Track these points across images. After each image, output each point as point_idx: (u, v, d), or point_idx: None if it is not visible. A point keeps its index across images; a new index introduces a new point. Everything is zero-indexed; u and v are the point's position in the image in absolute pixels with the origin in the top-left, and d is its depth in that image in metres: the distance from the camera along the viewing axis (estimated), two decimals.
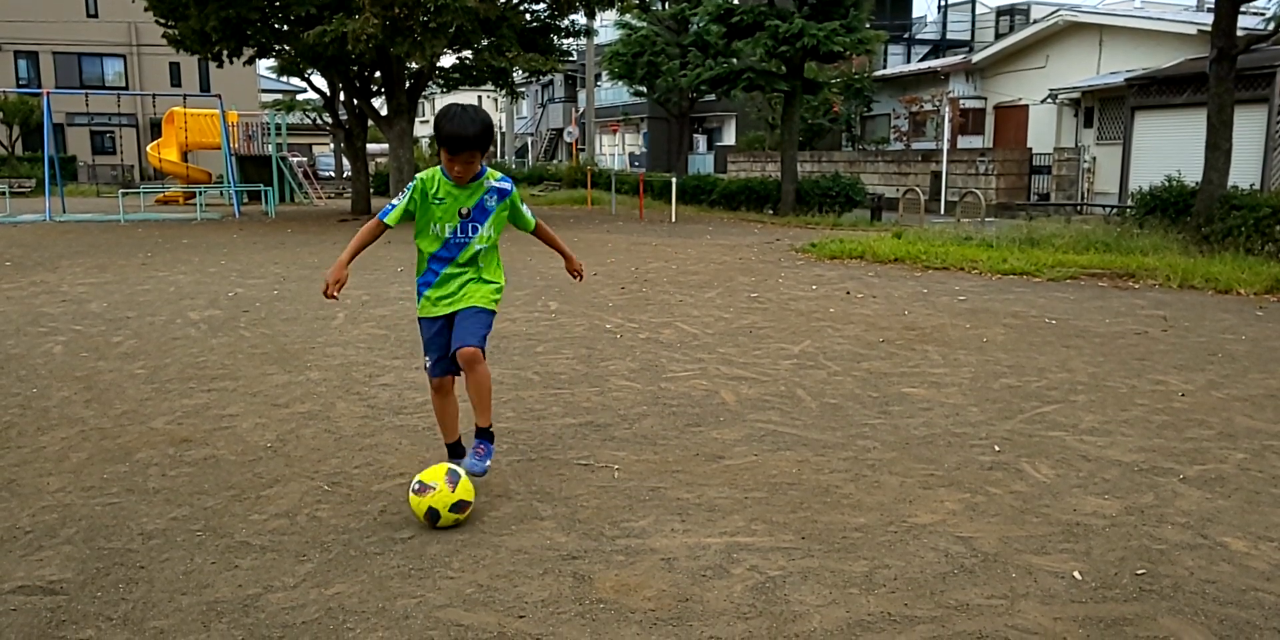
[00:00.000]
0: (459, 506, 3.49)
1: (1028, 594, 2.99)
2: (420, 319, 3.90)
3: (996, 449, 4.46)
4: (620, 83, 33.71)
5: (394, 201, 3.73)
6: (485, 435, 3.84)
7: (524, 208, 3.91)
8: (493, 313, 3.84)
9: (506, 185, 3.78)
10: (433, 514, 3.47)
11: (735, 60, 23.72)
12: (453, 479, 3.50)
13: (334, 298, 3.69)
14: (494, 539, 3.41)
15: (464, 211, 3.71)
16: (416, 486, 3.52)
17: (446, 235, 3.74)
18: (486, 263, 3.84)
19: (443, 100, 62.34)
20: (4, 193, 23.83)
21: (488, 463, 3.82)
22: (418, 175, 3.76)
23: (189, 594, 3.00)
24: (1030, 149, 24.35)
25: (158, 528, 3.52)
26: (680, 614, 2.86)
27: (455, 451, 4.00)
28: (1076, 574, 3.13)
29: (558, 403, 5.28)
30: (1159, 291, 9.64)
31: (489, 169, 3.78)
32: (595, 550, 3.32)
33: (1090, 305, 8.71)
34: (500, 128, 56.62)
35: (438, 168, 3.74)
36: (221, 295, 9.37)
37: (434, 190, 3.71)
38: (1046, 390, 5.57)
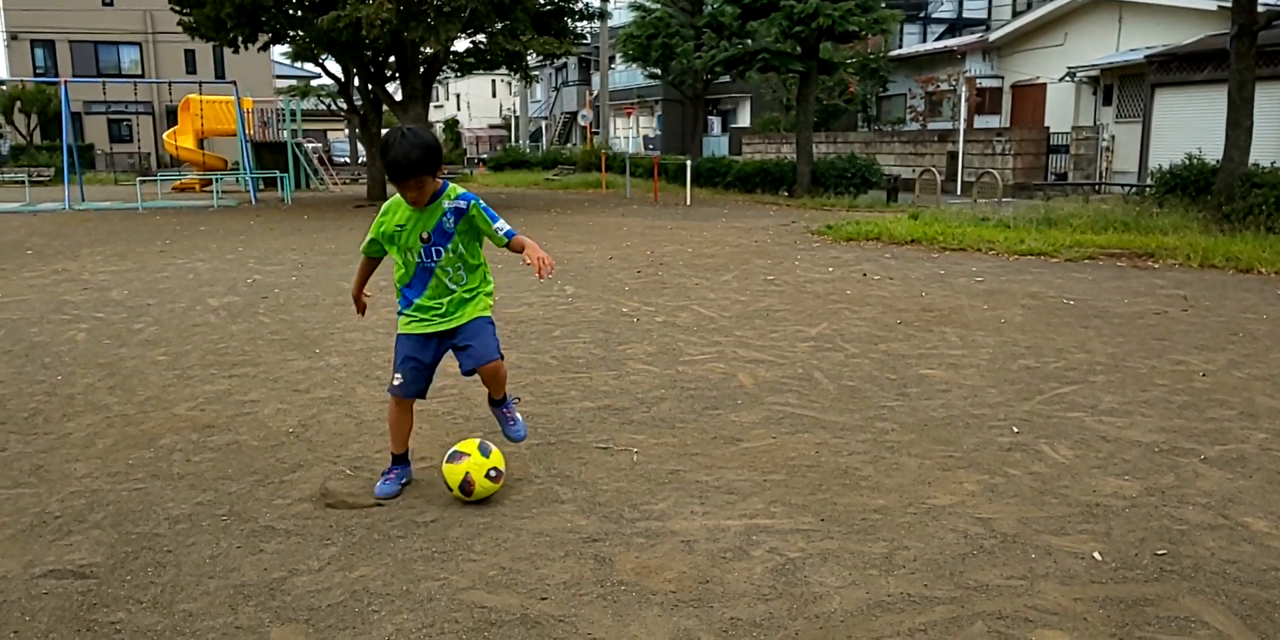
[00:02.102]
0: (494, 474, 3.58)
1: (1047, 574, 3.00)
2: (400, 336, 3.76)
3: (1015, 430, 4.46)
4: (634, 65, 33.51)
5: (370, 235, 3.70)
6: (500, 402, 3.98)
7: (496, 223, 3.57)
8: (491, 320, 3.78)
9: (463, 203, 3.55)
10: (468, 483, 3.54)
11: (750, 41, 23.57)
12: (485, 449, 3.61)
13: (361, 314, 4.12)
14: (515, 522, 3.44)
15: (425, 235, 3.56)
16: (450, 455, 3.61)
17: (416, 261, 3.61)
18: (471, 282, 3.70)
19: (457, 84, 62.38)
20: (24, 182, 23.97)
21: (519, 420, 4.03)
22: (384, 204, 3.67)
23: (216, 577, 3.04)
24: (1048, 128, 24.13)
25: (184, 512, 3.57)
26: (701, 596, 2.88)
27: (400, 461, 3.84)
28: (1096, 554, 3.13)
29: (576, 386, 5.31)
30: (1179, 271, 9.57)
31: (450, 186, 3.58)
32: (616, 533, 3.34)
33: (1109, 285, 8.66)
34: (514, 112, 56.52)
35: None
36: (240, 282, 9.43)
37: (394, 219, 3.60)
38: (1065, 371, 5.55)
